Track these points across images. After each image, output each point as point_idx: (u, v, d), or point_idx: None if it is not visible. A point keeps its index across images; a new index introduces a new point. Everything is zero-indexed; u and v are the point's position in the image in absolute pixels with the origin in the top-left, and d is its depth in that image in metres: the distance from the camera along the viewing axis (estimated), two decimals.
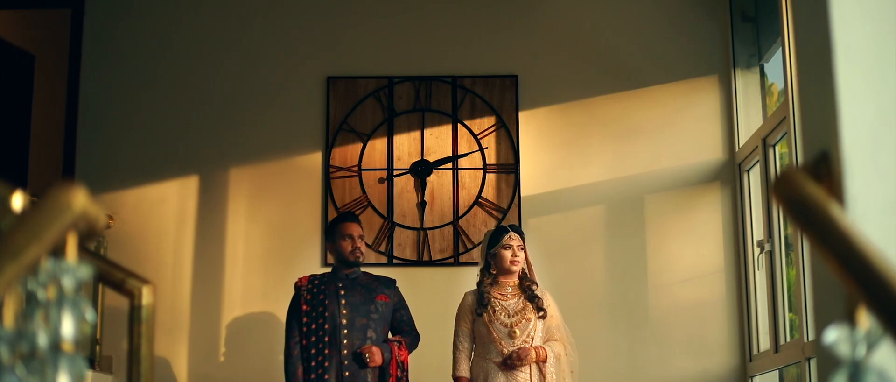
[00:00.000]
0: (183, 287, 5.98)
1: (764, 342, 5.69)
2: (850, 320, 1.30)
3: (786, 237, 5.47)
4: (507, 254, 4.89)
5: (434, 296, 5.79)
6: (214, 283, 5.98)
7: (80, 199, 1.57)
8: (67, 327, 1.51)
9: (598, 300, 5.93)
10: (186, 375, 5.90)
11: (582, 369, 5.04)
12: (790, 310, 5.39)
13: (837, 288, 1.25)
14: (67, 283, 1.53)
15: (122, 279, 2.23)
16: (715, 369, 5.85)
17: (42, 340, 1.51)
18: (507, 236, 4.92)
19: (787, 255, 5.42)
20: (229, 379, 5.89)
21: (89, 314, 1.54)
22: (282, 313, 5.32)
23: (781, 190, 1.46)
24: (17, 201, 1.64)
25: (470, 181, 6.07)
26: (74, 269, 1.54)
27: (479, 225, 5.98)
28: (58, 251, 1.55)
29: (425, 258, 5.99)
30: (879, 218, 1.55)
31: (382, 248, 5.98)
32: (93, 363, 5.74)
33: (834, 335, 1.28)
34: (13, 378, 1.39)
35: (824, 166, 1.59)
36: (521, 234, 4.98)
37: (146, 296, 2.17)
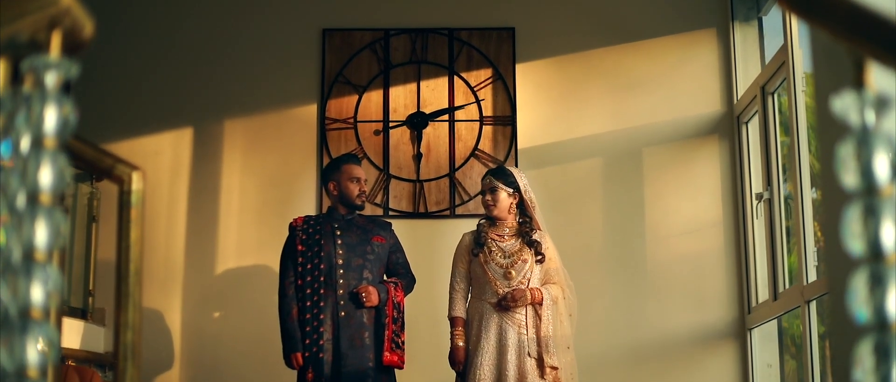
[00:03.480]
0: (177, 240, 5.93)
1: (762, 293, 5.64)
2: (858, 86, 1.25)
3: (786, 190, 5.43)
4: (482, 199, 4.89)
5: (430, 248, 5.74)
6: (209, 235, 5.93)
7: None
8: (50, 122, 1.47)
9: (596, 254, 5.88)
10: (180, 327, 5.84)
11: (579, 322, 4.96)
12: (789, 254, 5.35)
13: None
14: (50, 79, 1.50)
15: (111, 164, 2.19)
16: (713, 321, 5.80)
17: (24, 142, 1.47)
18: (482, 182, 4.92)
19: (787, 205, 5.38)
20: (223, 331, 5.84)
21: (72, 117, 1.50)
22: (276, 265, 5.24)
23: None
24: None
25: (466, 134, 6.02)
26: (58, 65, 1.51)
27: (476, 177, 5.92)
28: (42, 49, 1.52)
29: (421, 209, 5.94)
30: None
31: (378, 200, 5.93)
32: (85, 314, 5.69)
33: (843, 102, 1.24)
34: None
35: None
36: (501, 176, 4.83)
37: (136, 182, 2.14)
